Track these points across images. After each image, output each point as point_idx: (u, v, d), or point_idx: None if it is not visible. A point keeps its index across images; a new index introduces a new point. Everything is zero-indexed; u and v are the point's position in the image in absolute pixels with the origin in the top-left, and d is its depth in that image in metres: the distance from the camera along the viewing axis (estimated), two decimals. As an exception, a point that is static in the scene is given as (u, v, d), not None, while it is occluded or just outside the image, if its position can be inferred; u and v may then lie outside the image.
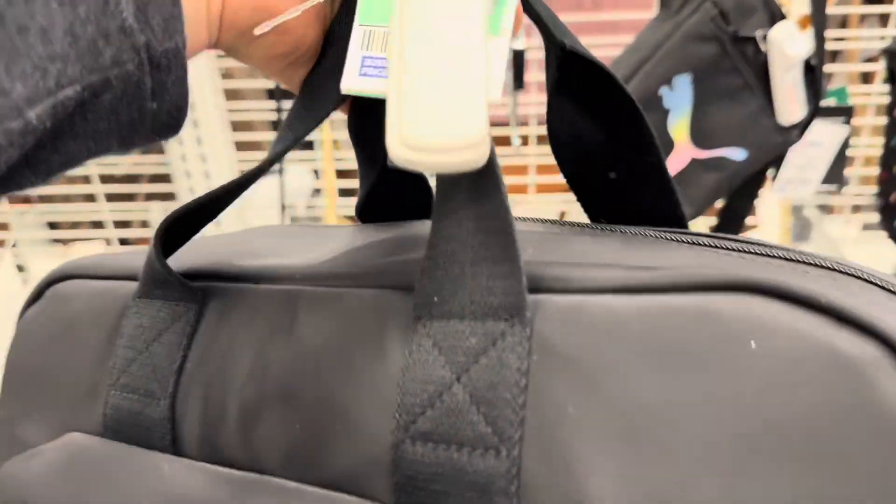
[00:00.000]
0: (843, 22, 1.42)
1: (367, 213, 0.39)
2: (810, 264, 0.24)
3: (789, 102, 0.86)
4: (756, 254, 0.25)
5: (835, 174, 0.97)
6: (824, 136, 0.95)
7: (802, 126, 0.88)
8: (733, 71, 0.84)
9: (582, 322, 0.23)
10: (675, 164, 0.79)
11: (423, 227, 0.34)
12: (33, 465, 0.31)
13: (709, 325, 0.21)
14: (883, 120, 1.21)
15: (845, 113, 0.94)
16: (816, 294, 0.21)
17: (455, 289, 0.24)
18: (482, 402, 0.23)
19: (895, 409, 0.19)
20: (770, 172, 0.99)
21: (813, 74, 0.87)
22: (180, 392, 0.31)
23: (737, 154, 0.85)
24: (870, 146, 1.35)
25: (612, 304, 0.23)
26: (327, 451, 0.26)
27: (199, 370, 0.31)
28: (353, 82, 0.29)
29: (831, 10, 1.22)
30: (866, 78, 1.47)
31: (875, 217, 1.45)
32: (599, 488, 0.22)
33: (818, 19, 0.86)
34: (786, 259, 0.25)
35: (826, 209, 1.48)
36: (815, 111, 0.88)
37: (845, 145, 0.95)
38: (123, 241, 1.43)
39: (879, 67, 1.40)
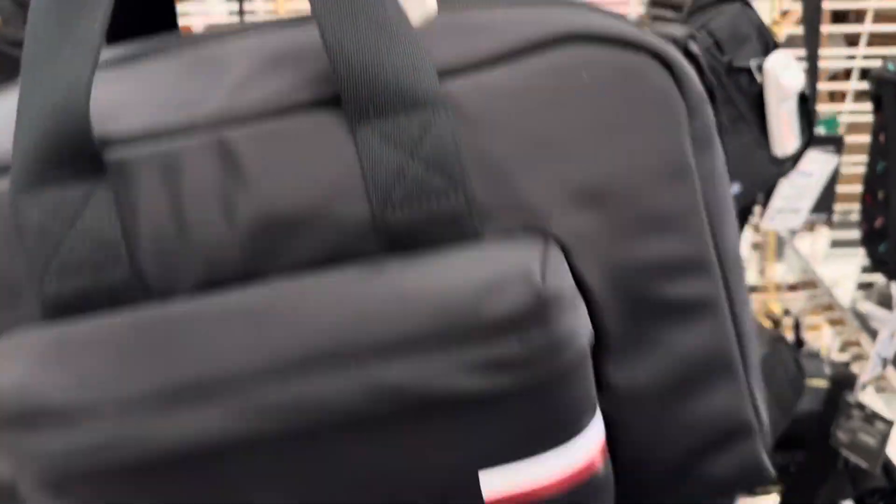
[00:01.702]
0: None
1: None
2: (591, 10, 0.35)
3: (784, 133, 0.83)
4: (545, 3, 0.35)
5: (824, 203, 0.95)
6: (814, 166, 0.93)
7: (796, 157, 0.86)
8: (727, 102, 0.82)
9: (485, 94, 0.32)
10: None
11: (277, 37, 0.36)
12: (9, 368, 0.30)
13: (559, 71, 0.32)
14: (853, 138, 1.21)
15: (835, 142, 0.92)
16: (611, 31, 0.33)
17: (381, 89, 0.31)
18: (434, 167, 0.31)
19: (656, 85, 0.32)
20: (758, 200, 0.97)
21: (806, 104, 0.85)
22: (135, 249, 0.32)
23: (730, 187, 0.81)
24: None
25: (489, 78, 0.32)
26: (313, 237, 0.31)
27: (143, 226, 0.32)
28: None
29: (794, 29, 1.21)
30: (833, 97, 1.48)
31: (844, 233, 1.45)
32: (533, 193, 0.32)
33: (811, 48, 0.84)
34: (567, 4, 0.35)
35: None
36: (809, 141, 0.85)
37: (835, 174, 0.93)
38: None
39: (848, 87, 1.41)
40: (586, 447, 0.32)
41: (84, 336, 0.31)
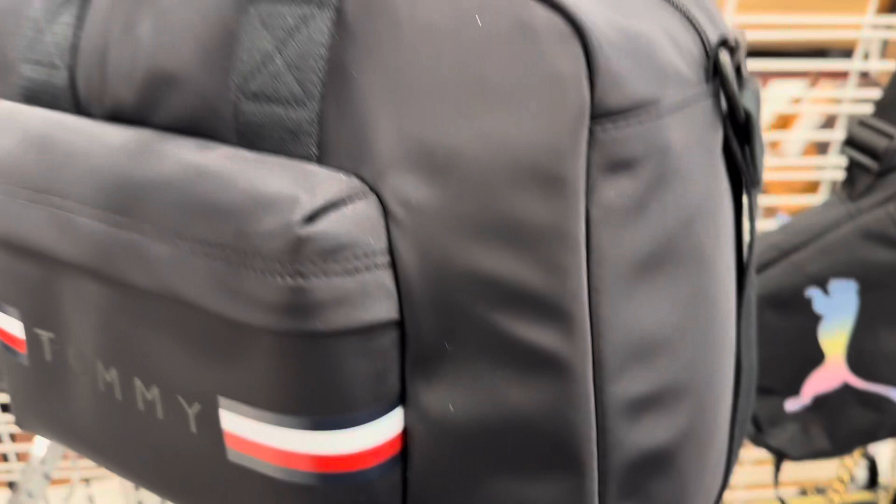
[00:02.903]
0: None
1: None
2: None
3: None
4: None
5: None
6: None
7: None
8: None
9: (374, 9, 0.28)
10: (821, 381, 0.64)
11: None
12: None
13: (456, 8, 0.27)
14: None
15: None
16: None
17: None
18: (294, 68, 0.29)
19: (556, 57, 0.25)
20: None
21: None
22: (78, 62, 0.35)
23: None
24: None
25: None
26: (178, 99, 0.32)
27: (86, 41, 0.35)
28: None
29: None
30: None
31: None
32: (378, 139, 0.28)
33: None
34: None
35: None
36: None
37: None
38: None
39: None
40: (343, 442, 0.29)
41: (16, 118, 0.35)
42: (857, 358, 0.65)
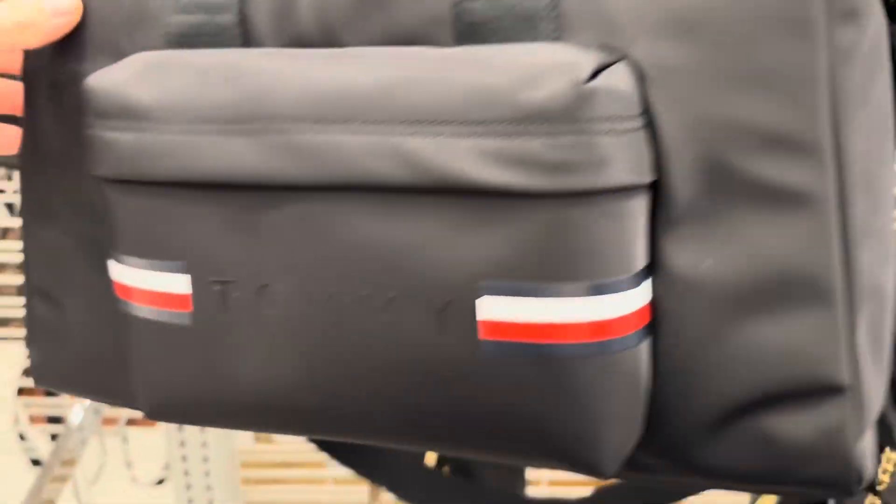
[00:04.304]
0: None
1: None
2: None
3: None
4: None
5: None
6: None
7: None
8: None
9: None
10: None
11: None
12: (116, 73, 0.35)
13: None
14: None
15: None
16: None
17: None
18: None
19: None
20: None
21: None
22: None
23: None
24: None
25: None
26: (394, 12, 0.33)
27: None
28: None
29: None
30: None
31: None
32: (620, 9, 0.30)
33: None
34: None
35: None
36: None
37: None
38: None
39: None
40: (608, 307, 0.29)
41: (181, 60, 0.35)
42: None
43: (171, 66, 0.34)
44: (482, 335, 0.30)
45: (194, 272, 0.34)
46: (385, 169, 0.30)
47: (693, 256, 0.30)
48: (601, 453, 0.31)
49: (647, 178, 0.30)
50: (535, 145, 0.28)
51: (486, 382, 0.31)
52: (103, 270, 0.38)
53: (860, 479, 0.30)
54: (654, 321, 0.31)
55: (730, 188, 0.29)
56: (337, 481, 1.28)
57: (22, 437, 1.21)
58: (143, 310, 0.36)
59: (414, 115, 0.30)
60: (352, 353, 0.32)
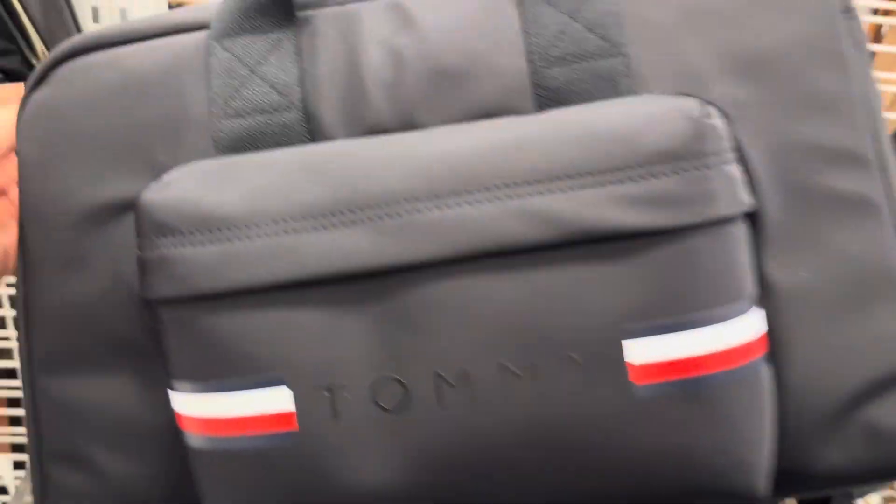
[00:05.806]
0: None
1: None
2: None
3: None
4: None
5: None
6: None
7: None
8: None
9: None
10: None
11: None
12: (178, 186, 0.33)
13: None
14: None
15: None
16: None
17: None
18: (595, 28, 0.34)
19: None
20: None
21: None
22: (309, 94, 0.35)
23: None
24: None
25: None
26: (473, 88, 0.34)
27: (320, 73, 0.35)
28: None
29: None
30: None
31: None
32: (693, 60, 0.34)
33: None
34: None
35: None
36: None
37: None
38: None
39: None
40: (742, 330, 0.31)
41: (252, 162, 0.33)
42: None
43: (241, 170, 0.33)
44: (634, 379, 0.30)
45: (296, 384, 0.31)
46: (516, 231, 0.30)
47: (789, 271, 0.33)
48: (756, 476, 0.32)
49: (748, 204, 0.32)
50: (662, 184, 0.30)
51: (644, 427, 0.31)
52: (148, 405, 0.36)
53: None
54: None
55: (811, 202, 0.33)
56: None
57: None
58: (227, 441, 0.32)
59: (535, 173, 0.31)
60: (494, 433, 0.31)
